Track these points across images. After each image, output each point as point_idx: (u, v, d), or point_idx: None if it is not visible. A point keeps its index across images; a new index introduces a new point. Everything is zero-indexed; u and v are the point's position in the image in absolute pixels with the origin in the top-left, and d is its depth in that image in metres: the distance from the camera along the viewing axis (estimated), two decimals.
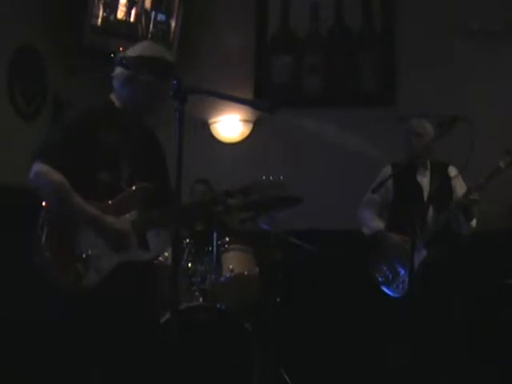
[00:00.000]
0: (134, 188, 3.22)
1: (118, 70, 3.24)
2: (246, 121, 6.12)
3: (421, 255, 4.35)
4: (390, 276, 4.52)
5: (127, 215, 3.19)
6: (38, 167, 3.08)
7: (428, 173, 4.62)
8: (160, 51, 3.29)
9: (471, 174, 4.39)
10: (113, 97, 3.31)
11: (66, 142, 3.13)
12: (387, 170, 4.63)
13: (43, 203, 3.13)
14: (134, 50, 3.24)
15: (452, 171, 4.61)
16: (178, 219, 2.59)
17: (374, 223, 4.71)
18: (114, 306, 3.08)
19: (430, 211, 4.52)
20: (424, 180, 4.59)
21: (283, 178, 3.27)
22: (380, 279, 4.55)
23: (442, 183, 4.56)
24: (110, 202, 3.17)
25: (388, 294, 4.52)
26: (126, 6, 5.65)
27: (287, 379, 4.49)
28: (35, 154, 3.12)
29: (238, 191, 3.32)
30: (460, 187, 4.56)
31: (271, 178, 3.36)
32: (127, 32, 5.69)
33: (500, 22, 5.73)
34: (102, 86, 5.75)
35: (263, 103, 3.19)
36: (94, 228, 3.10)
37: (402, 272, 4.45)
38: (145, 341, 3.16)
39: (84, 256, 3.08)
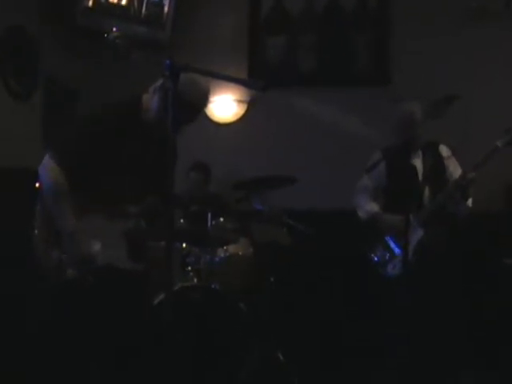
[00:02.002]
0: (142, 201, 3.24)
1: None
2: (239, 101, 6.09)
3: (418, 235, 4.37)
4: (387, 256, 4.51)
5: (124, 223, 3.20)
6: (46, 160, 3.10)
7: (420, 153, 4.59)
8: None
9: (466, 153, 4.38)
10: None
11: (79, 141, 3.11)
12: (377, 155, 4.60)
13: (37, 184, 3.14)
14: None
15: (443, 150, 4.60)
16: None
17: (369, 207, 4.71)
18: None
19: (426, 191, 4.51)
20: (417, 161, 4.56)
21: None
22: (376, 259, 4.55)
23: (435, 163, 4.54)
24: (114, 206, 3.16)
25: (385, 275, 4.51)
26: None
27: (282, 359, 4.50)
28: (49, 146, 3.13)
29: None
30: (454, 166, 4.54)
31: None
32: (120, 13, 5.64)
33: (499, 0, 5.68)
34: (95, 66, 5.77)
35: (255, 82, 3.16)
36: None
37: (398, 252, 4.45)
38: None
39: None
